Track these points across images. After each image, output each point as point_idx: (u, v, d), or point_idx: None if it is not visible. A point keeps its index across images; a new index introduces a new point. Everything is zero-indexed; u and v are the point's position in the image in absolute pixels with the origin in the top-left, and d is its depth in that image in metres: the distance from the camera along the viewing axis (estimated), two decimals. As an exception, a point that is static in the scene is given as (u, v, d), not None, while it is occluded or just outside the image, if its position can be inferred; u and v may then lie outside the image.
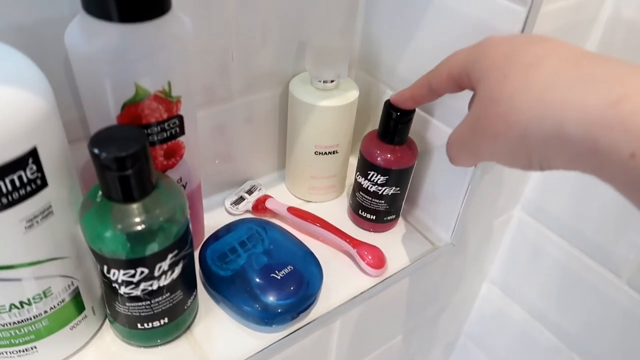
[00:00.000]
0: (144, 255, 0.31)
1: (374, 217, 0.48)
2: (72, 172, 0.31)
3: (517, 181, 0.55)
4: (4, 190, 0.26)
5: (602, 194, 0.51)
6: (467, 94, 0.32)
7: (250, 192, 0.51)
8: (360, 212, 0.48)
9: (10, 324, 0.31)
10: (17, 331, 0.32)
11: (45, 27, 0.32)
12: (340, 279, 0.44)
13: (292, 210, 0.48)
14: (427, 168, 0.48)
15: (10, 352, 0.32)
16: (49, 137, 0.28)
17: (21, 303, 0.31)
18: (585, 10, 0.43)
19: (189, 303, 0.37)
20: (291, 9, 0.44)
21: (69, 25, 0.30)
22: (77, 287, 0.34)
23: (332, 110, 0.45)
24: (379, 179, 0.45)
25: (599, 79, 0.22)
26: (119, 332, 0.37)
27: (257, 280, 0.39)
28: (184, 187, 0.39)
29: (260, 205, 0.49)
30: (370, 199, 0.47)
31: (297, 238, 0.45)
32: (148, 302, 0.34)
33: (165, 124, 0.34)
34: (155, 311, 0.34)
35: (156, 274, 0.32)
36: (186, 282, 0.36)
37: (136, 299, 0.33)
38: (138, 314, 0.34)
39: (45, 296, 0.31)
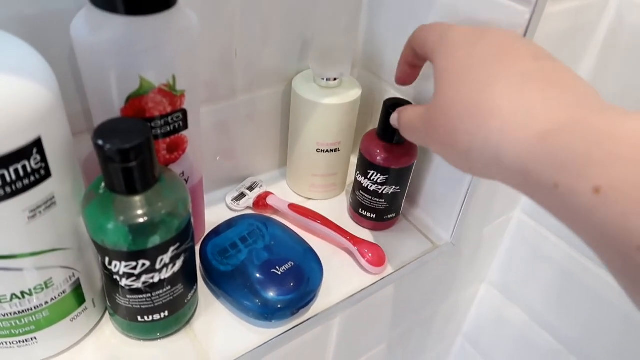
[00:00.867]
0: (146, 248, 0.31)
1: (374, 216, 0.48)
2: (75, 163, 0.32)
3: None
4: (8, 179, 0.26)
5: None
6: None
7: (251, 188, 0.51)
8: (360, 210, 0.49)
9: (11, 314, 0.31)
10: (17, 321, 0.32)
11: (51, 19, 0.32)
12: (341, 276, 0.44)
13: (293, 207, 0.48)
14: (428, 167, 0.49)
15: (10, 343, 0.33)
16: (54, 128, 0.28)
17: (22, 293, 0.31)
18: (588, 13, 0.43)
19: (189, 297, 0.37)
20: (295, 7, 0.44)
21: (75, 17, 0.30)
22: (78, 279, 0.34)
23: (334, 108, 0.46)
24: (378, 178, 0.45)
25: (536, 110, 0.24)
26: (119, 325, 0.37)
27: (258, 275, 0.40)
28: (186, 181, 0.39)
29: (261, 202, 0.49)
30: (370, 197, 0.47)
31: (297, 235, 0.45)
32: (149, 295, 0.34)
33: (169, 118, 0.34)
34: (156, 304, 0.35)
35: (157, 266, 0.32)
36: (187, 276, 0.36)
37: (137, 291, 0.33)
38: (139, 306, 0.34)
39: (47, 287, 0.31)
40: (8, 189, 0.26)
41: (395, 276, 0.46)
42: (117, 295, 0.34)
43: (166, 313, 0.36)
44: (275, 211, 0.49)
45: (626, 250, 0.19)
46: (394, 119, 0.37)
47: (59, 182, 0.29)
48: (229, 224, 0.44)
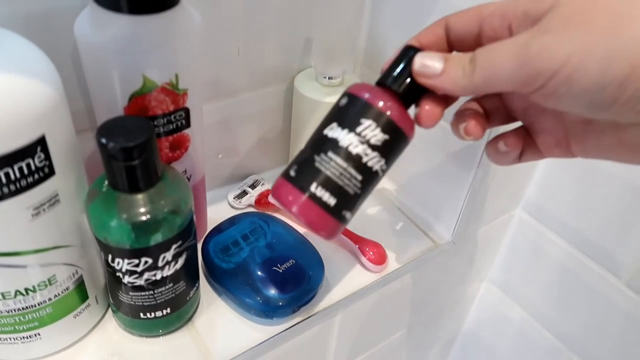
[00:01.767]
0: (148, 246, 0.31)
1: (333, 203, 0.29)
2: (79, 161, 0.32)
3: (519, 181, 0.56)
4: (12, 177, 0.26)
5: (604, 196, 0.51)
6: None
7: (253, 186, 0.51)
8: (314, 187, 0.29)
9: (14, 310, 0.31)
10: (21, 317, 0.32)
11: (55, 17, 0.33)
12: (342, 274, 0.45)
13: (294, 205, 0.48)
14: (430, 165, 0.49)
15: (14, 339, 0.33)
16: (57, 126, 0.28)
17: (26, 290, 0.31)
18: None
19: (191, 294, 0.37)
20: (298, 6, 0.44)
21: (79, 15, 0.30)
22: (81, 276, 0.34)
23: None
24: (375, 135, 0.28)
25: None
26: (121, 322, 0.37)
27: (259, 273, 0.40)
28: (189, 179, 0.39)
29: (263, 200, 0.50)
30: (344, 166, 0.29)
31: (299, 233, 0.45)
32: (151, 292, 0.34)
33: (172, 116, 0.34)
34: (158, 301, 0.35)
35: (160, 264, 0.33)
36: (189, 273, 0.36)
37: (139, 288, 0.33)
38: (141, 303, 0.35)
39: (50, 284, 0.32)
40: (12, 187, 0.26)
41: (396, 274, 0.46)
42: (120, 292, 0.34)
43: (168, 310, 0.36)
44: (277, 209, 0.50)
45: None
46: (435, 61, 0.26)
47: (62, 180, 0.29)
48: (231, 222, 0.44)
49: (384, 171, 0.30)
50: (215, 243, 0.42)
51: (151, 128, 0.29)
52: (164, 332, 0.38)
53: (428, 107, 0.29)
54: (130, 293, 0.34)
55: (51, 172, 0.28)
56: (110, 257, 0.32)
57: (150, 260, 0.32)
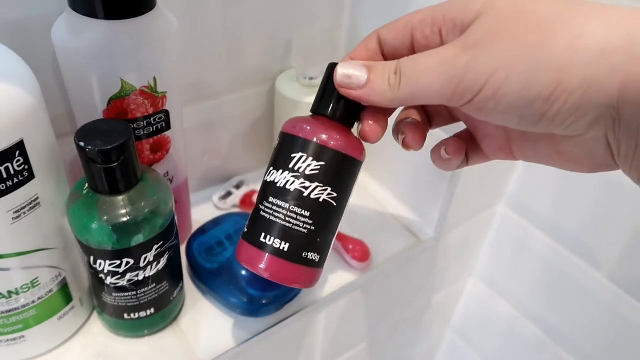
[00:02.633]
0: (130, 246, 0.32)
1: (286, 247, 0.28)
2: (59, 165, 0.32)
3: (500, 177, 0.57)
4: (-8, 181, 0.26)
5: (583, 191, 0.52)
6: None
7: (238, 187, 0.52)
8: (261, 237, 0.28)
9: (-2, 313, 0.32)
10: (5, 320, 0.32)
11: (32, 24, 0.33)
12: (325, 271, 0.45)
13: (278, 205, 0.49)
14: (411, 162, 0.49)
15: (-2, 341, 0.33)
16: (36, 130, 0.28)
17: (9, 292, 0.31)
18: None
19: (175, 294, 0.38)
20: (278, 7, 0.45)
21: (56, 22, 0.31)
22: (64, 278, 0.34)
23: None
24: (308, 166, 0.27)
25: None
26: (106, 323, 0.38)
27: (243, 272, 0.40)
28: (171, 181, 0.40)
29: (247, 200, 0.50)
30: (287, 207, 0.27)
31: (283, 232, 0.46)
32: (134, 293, 0.34)
33: (151, 119, 0.34)
34: (142, 302, 0.35)
35: (142, 264, 0.33)
36: (172, 274, 0.36)
37: (122, 289, 0.34)
38: (124, 304, 0.35)
39: (33, 286, 0.32)
40: (-8, 191, 0.27)
41: (380, 271, 0.47)
42: (103, 293, 0.35)
43: (152, 310, 0.36)
44: (262, 209, 0.50)
45: None
46: (357, 72, 0.25)
47: (42, 183, 0.30)
48: (215, 222, 0.45)
49: (336, 199, 0.28)
50: (199, 244, 0.43)
51: (129, 130, 0.29)
52: (149, 332, 0.38)
53: (370, 122, 0.27)
54: (114, 294, 0.34)
55: (31, 176, 0.29)
56: (92, 258, 0.32)
57: (131, 261, 0.33)
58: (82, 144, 0.28)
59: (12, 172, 0.27)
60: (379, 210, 0.53)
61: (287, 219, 0.27)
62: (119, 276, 0.33)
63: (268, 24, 0.45)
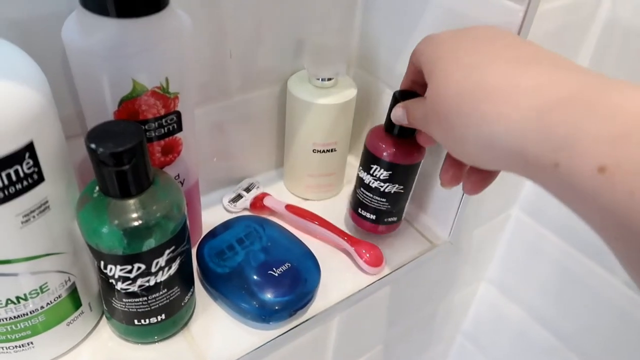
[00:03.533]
0: (141, 251, 0.31)
1: (374, 217, 0.46)
2: (69, 167, 0.31)
3: (515, 181, 0.55)
4: (0, 184, 0.26)
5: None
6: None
7: (248, 189, 0.51)
8: (359, 210, 0.46)
9: (6, 319, 0.31)
10: (13, 326, 0.31)
11: (42, 23, 0.32)
12: (338, 276, 0.44)
13: (290, 207, 0.48)
14: (426, 166, 0.48)
15: (7, 348, 0.32)
16: (46, 132, 0.28)
17: (17, 298, 0.30)
18: (582, 10, 0.43)
19: (186, 300, 0.37)
20: (290, 8, 0.44)
21: (66, 20, 0.30)
22: (73, 283, 0.34)
23: (330, 108, 0.45)
24: (382, 174, 0.43)
25: (533, 87, 0.22)
26: (115, 329, 0.37)
27: (255, 277, 0.39)
28: (182, 183, 0.39)
29: (258, 203, 0.49)
30: (371, 196, 0.44)
31: (294, 236, 0.45)
32: (145, 298, 0.34)
33: (163, 120, 0.34)
34: (152, 307, 0.34)
35: (153, 270, 0.32)
36: (183, 279, 0.36)
37: (133, 295, 0.33)
38: (135, 310, 0.34)
39: (42, 291, 0.31)
40: (0, 194, 0.26)
41: (394, 276, 0.46)
42: (113, 299, 0.34)
43: (163, 316, 0.36)
44: (272, 212, 0.49)
45: (634, 231, 0.18)
46: (399, 114, 0.36)
47: (52, 186, 0.29)
48: (225, 226, 0.44)
49: (403, 188, 0.44)
50: (210, 247, 0.42)
51: (141, 132, 0.29)
52: (159, 338, 0.37)
53: (451, 171, 0.34)
54: (124, 300, 0.33)
55: (40, 179, 0.28)
56: (102, 263, 0.32)
57: (143, 266, 0.32)
58: (93, 145, 0.27)
59: (22, 174, 0.26)
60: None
61: (372, 201, 0.45)
62: (130, 281, 0.32)
63: (279, 24, 0.44)
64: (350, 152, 0.53)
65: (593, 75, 0.22)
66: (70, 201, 0.31)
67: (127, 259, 0.31)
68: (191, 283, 0.38)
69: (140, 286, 0.33)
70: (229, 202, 0.50)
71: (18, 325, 0.32)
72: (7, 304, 0.30)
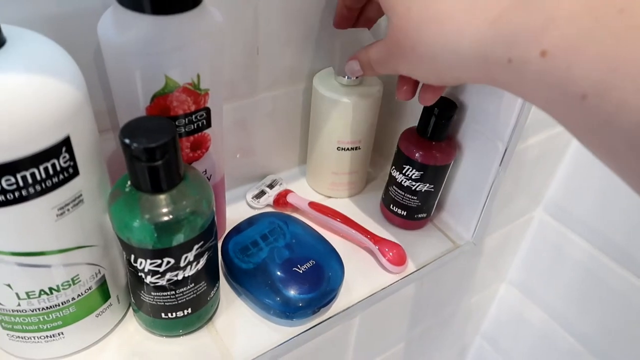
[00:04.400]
0: (171, 246, 0.31)
1: (405, 213, 0.48)
2: (102, 161, 0.32)
3: (540, 182, 0.55)
4: (38, 177, 0.26)
5: (626, 196, 0.50)
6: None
7: (271, 186, 0.51)
8: (391, 206, 0.48)
9: (39, 309, 0.32)
10: (45, 317, 0.32)
11: (77, 18, 0.33)
12: (361, 274, 0.44)
13: (313, 205, 0.48)
14: (451, 167, 0.48)
15: (38, 337, 0.33)
16: (82, 127, 0.28)
17: (50, 289, 0.31)
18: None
19: (211, 294, 0.37)
20: (318, 6, 0.44)
21: (102, 16, 0.30)
22: (103, 276, 0.34)
23: (355, 106, 0.45)
24: (413, 174, 0.45)
25: (480, 5, 0.26)
26: (142, 321, 0.38)
27: (279, 273, 0.40)
28: (208, 179, 0.39)
29: (281, 200, 0.49)
30: (403, 193, 0.47)
31: (318, 233, 0.45)
32: (173, 292, 0.34)
33: (193, 116, 0.34)
34: (180, 301, 0.35)
35: (182, 264, 0.33)
36: (210, 274, 0.36)
37: (161, 288, 0.33)
38: (162, 303, 0.35)
39: (74, 283, 0.32)
40: (38, 187, 0.26)
41: (416, 275, 0.46)
42: (142, 292, 0.34)
43: (189, 310, 0.36)
44: (296, 209, 0.49)
45: (573, 100, 0.22)
46: (354, 67, 0.37)
47: (86, 180, 0.29)
48: (250, 222, 0.44)
49: (433, 187, 0.46)
50: (234, 243, 0.42)
51: (173, 128, 0.29)
52: (184, 332, 0.38)
53: (405, 87, 0.37)
54: (152, 293, 0.34)
55: (75, 173, 0.28)
56: (132, 257, 0.32)
57: (172, 261, 0.32)
58: (127, 141, 0.28)
59: (58, 168, 0.27)
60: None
61: (404, 199, 0.47)
62: (159, 275, 0.33)
63: (307, 22, 0.44)
64: (374, 150, 0.53)
65: None
66: (102, 195, 0.32)
67: (157, 253, 0.31)
68: (217, 278, 0.38)
69: (168, 280, 0.33)
70: (252, 198, 0.50)
71: (50, 315, 0.32)
72: (40, 294, 0.31)
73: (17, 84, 0.24)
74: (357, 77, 0.45)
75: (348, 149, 0.48)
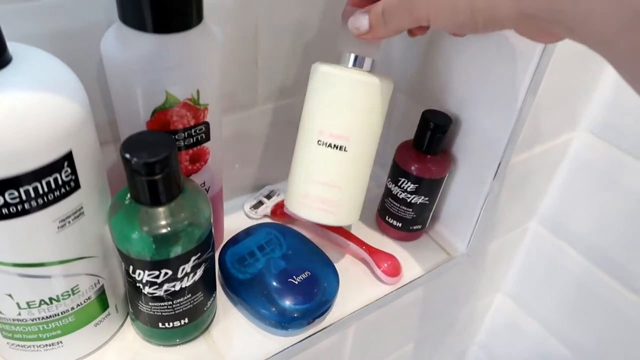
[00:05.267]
0: (169, 257, 0.32)
1: (400, 225, 0.49)
2: (103, 175, 0.33)
3: (535, 194, 0.56)
4: (40, 191, 0.27)
5: (620, 210, 0.51)
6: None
7: (269, 196, 0.52)
8: (387, 218, 0.49)
9: (39, 318, 0.32)
10: (45, 326, 0.33)
11: (81, 35, 0.33)
12: (356, 285, 0.45)
13: (310, 216, 0.48)
14: (445, 179, 0.49)
15: (37, 346, 0.34)
16: (84, 141, 0.29)
17: (50, 299, 0.32)
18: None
19: (208, 304, 0.38)
20: (317, 19, 0.45)
21: (105, 33, 0.31)
22: (102, 286, 0.35)
23: (354, 85, 0.36)
24: (409, 186, 0.46)
25: None
26: (140, 331, 0.38)
27: (275, 284, 0.40)
28: (207, 190, 0.40)
29: (278, 210, 0.50)
30: (398, 205, 0.48)
31: (314, 244, 0.46)
32: (170, 303, 0.35)
33: (192, 130, 0.35)
34: (177, 311, 0.35)
35: (179, 275, 0.33)
36: (207, 284, 0.37)
37: (159, 299, 0.34)
38: (160, 313, 0.35)
39: (73, 293, 0.33)
40: (40, 201, 0.27)
41: (411, 286, 0.46)
42: (140, 302, 0.35)
43: (186, 320, 0.37)
44: (292, 220, 0.50)
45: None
46: (360, 20, 0.33)
47: (87, 193, 0.30)
48: (247, 233, 0.45)
49: (428, 200, 0.47)
50: (231, 254, 0.43)
51: (173, 143, 0.30)
52: (182, 341, 0.39)
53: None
54: (150, 303, 0.35)
55: (77, 186, 0.29)
56: (131, 268, 0.33)
57: (170, 272, 0.33)
58: (127, 155, 0.29)
59: (60, 182, 0.28)
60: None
61: (399, 211, 0.48)
62: (157, 286, 0.33)
63: (306, 36, 0.45)
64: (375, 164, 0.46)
65: None
66: (103, 207, 0.33)
67: (155, 265, 0.32)
68: (214, 288, 0.39)
69: (166, 291, 0.34)
70: (250, 208, 0.51)
71: (49, 325, 0.33)
72: (40, 304, 0.32)
73: (23, 102, 0.25)
74: (362, 35, 0.34)
75: (330, 145, 0.37)
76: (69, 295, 0.32)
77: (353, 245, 0.47)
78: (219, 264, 0.43)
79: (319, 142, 0.37)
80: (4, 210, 0.26)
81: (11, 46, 0.26)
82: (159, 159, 0.29)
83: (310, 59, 0.47)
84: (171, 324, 0.36)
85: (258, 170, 0.52)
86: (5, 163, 0.25)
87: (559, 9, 0.23)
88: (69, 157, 0.28)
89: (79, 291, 0.33)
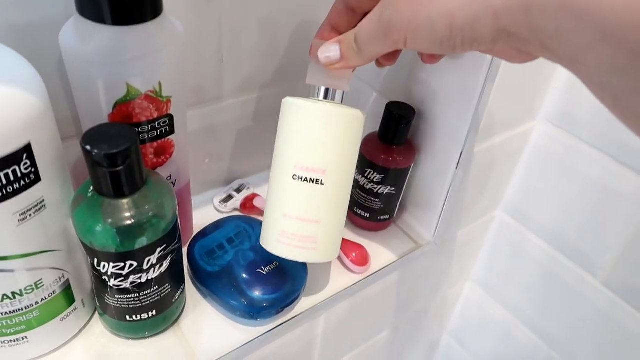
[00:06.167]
0: (133, 249, 0.32)
1: (368, 215, 0.50)
2: (64, 168, 0.32)
3: (499, 183, 0.57)
4: (-1, 184, 0.27)
5: (580, 197, 0.53)
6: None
7: (238, 190, 0.52)
8: (355, 209, 0.50)
9: (2, 314, 0.32)
10: (8, 321, 0.33)
11: (39, 27, 0.33)
12: (325, 275, 0.46)
13: (279, 208, 0.49)
14: (412, 169, 0.50)
15: (1, 342, 0.33)
16: (43, 134, 0.29)
17: (13, 294, 0.32)
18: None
19: (176, 297, 0.38)
20: (284, 14, 0.45)
21: (64, 26, 0.31)
22: (67, 280, 0.35)
23: (327, 118, 0.35)
24: (375, 177, 0.47)
25: None
26: (108, 324, 0.38)
27: (244, 275, 0.41)
28: (174, 184, 0.40)
29: (248, 204, 0.51)
30: (365, 196, 0.48)
31: (283, 235, 0.46)
32: (137, 295, 0.35)
33: (156, 123, 0.35)
34: (144, 304, 0.36)
35: (145, 267, 0.33)
36: (174, 276, 0.37)
37: (125, 291, 0.34)
38: (127, 306, 0.35)
39: (37, 287, 0.32)
40: (-1, 193, 0.27)
41: (379, 275, 0.47)
42: (106, 295, 0.35)
43: (154, 312, 0.37)
44: (262, 213, 0.50)
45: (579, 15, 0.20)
46: (330, 50, 0.32)
47: (48, 186, 0.30)
48: (216, 226, 0.45)
49: (394, 190, 0.48)
50: (200, 247, 0.43)
51: (135, 134, 0.30)
52: (150, 334, 0.39)
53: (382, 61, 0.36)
54: (116, 296, 0.35)
55: (37, 179, 0.29)
56: (96, 261, 0.33)
57: (135, 264, 0.33)
58: (88, 147, 0.29)
59: (19, 174, 0.28)
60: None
61: (367, 201, 0.49)
62: (122, 278, 0.33)
63: (272, 30, 0.46)
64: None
65: None
66: (65, 200, 0.33)
67: (120, 257, 0.32)
68: (182, 280, 0.39)
69: (132, 283, 0.34)
70: (220, 202, 0.51)
71: (13, 320, 0.33)
72: (3, 299, 0.31)
73: (-23, 93, 0.25)
74: (332, 65, 0.33)
75: (306, 180, 0.36)
76: (33, 289, 0.32)
77: (322, 236, 0.47)
78: (188, 257, 0.43)
79: (294, 177, 0.36)
80: (-38, 203, 0.26)
81: (-35, 38, 0.26)
82: (120, 150, 0.29)
83: (276, 53, 0.48)
84: (139, 316, 0.36)
85: (228, 165, 0.52)
86: (-40, 155, 0.25)
87: (535, 27, 0.23)
88: (27, 150, 0.28)
89: (43, 285, 0.33)
